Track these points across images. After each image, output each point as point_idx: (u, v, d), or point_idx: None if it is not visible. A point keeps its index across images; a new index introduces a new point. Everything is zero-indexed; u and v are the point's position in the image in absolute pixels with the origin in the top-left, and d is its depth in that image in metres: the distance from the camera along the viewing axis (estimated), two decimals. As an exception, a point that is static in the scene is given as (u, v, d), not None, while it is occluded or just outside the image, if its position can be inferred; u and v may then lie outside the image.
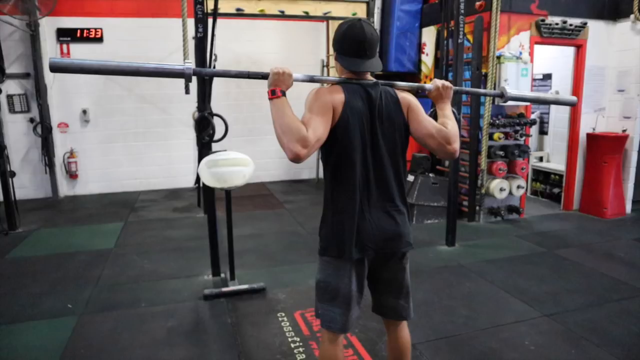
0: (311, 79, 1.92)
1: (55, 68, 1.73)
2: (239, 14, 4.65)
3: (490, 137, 5.32)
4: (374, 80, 1.88)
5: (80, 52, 6.82)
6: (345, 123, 1.76)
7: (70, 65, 1.82)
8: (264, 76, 1.82)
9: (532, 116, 6.10)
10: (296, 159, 1.64)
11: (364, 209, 1.84)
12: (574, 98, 2.51)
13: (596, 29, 5.63)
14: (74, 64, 1.80)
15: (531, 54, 5.39)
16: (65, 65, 1.81)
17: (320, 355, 2.05)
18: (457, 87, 2.11)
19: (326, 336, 2.00)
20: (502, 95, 2.28)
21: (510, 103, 5.20)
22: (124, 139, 7.23)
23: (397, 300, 2.03)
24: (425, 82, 6.35)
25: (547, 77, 6.99)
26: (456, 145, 1.87)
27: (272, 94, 1.73)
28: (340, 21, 1.93)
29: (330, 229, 1.88)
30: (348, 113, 1.76)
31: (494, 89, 5.19)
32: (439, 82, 2.01)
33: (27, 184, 6.81)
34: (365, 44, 1.79)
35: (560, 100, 2.59)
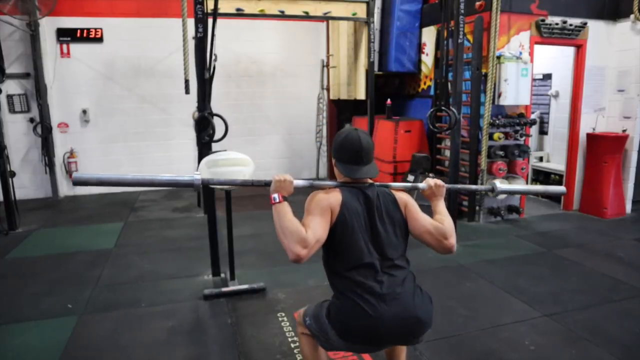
0: (311, 185, 2.02)
1: (77, 182, 1.88)
2: (239, 14, 4.65)
3: (490, 137, 5.32)
4: (370, 182, 1.98)
5: (80, 52, 6.82)
6: (343, 221, 1.83)
7: (91, 180, 1.95)
8: (266, 183, 1.94)
9: (532, 116, 6.11)
10: (297, 259, 1.71)
11: (371, 301, 1.79)
12: (563, 188, 2.56)
13: (596, 29, 5.63)
14: (94, 178, 1.94)
15: (531, 54, 5.39)
16: (86, 180, 1.95)
17: (303, 354, 2.15)
18: (449, 185, 2.18)
19: (308, 335, 2.06)
20: (493, 190, 2.33)
21: (510, 103, 5.27)
22: (124, 139, 7.23)
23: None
24: (425, 82, 6.42)
25: (547, 77, 6.99)
26: (453, 240, 1.93)
27: (274, 200, 1.85)
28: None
29: (340, 317, 1.85)
30: (345, 213, 1.84)
31: (494, 89, 5.19)
32: (432, 182, 2.10)
33: (27, 184, 6.81)
34: (362, 152, 1.93)
35: (550, 191, 2.63)
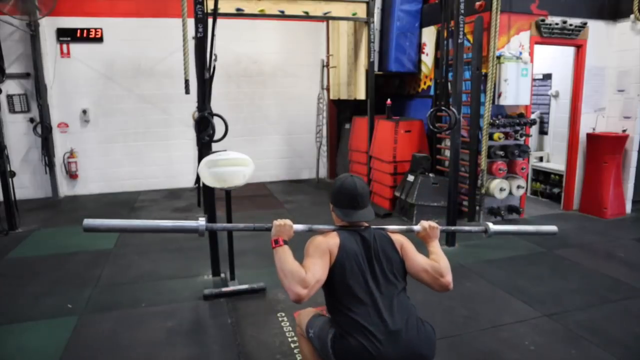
0: (310, 229, 2.10)
1: (88, 229, 2.02)
2: (239, 14, 4.65)
3: (490, 137, 5.32)
4: (366, 225, 2.07)
5: (80, 52, 6.82)
6: (341, 262, 1.89)
7: (101, 226, 2.05)
8: (267, 228, 2.04)
9: (532, 116, 6.11)
10: (298, 299, 1.76)
11: (373, 340, 1.79)
12: (554, 228, 2.59)
13: (596, 29, 5.63)
14: (104, 225, 2.04)
15: (531, 54, 5.39)
16: (97, 226, 2.05)
17: (302, 354, 2.18)
18: (443, 227, 2.27)
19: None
20: (486, 231, 2.38)
21: (510, 103, 5.27)
22: (124, 139, 7.23)
23: None
24: (425, 82, 6.42)
25: (547, 77, 6.99)
26: (449, 277, 1.97)
27: (275, 243, 1.93)
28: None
29: (342, 351, 1.86)
30: (343, 253, 1.91)
31: (494, 89, 5.19)
32: (426, 224, 2.18)
33: (27, 184, 6.81)
34: (358, 197, 2.03)
35: (541, 231, 2.68)
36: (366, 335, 1.80)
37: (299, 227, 2.06)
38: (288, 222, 2.00)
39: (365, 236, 1.98)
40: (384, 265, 1.94)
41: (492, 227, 2.37)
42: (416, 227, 2.19)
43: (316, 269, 1.83)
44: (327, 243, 1.92)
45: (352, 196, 2.03)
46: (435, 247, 2.12)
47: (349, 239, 1.96)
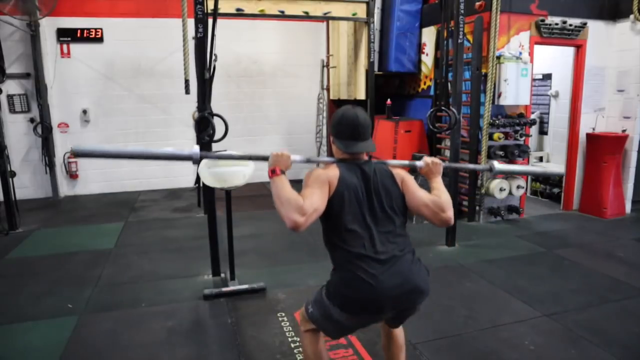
0: (308, 160, 2.08)
1: (78, 154, 1.95)
2: (239, 14, 4.65)
3: (490, 137, 5.32)
4: (367, 159, 2.03)
5: (80, 52, 6.83)
6: (341, 194, 1.87)
7: (92, 152, 2.00)
8: (264, 158, 2.00)
9: (532, 116, 6.11)
10: (295, 227, 1.72)
11: (371, 272, 1.83)
12: (562, 171, 2.58)
13: (596, 29, 5.63)
14: (96, 150, 2.00)
15: (531, 54, 5.39)
16: (87, 152, 1.99)
17: (304, 353, 2.15)
18: (446, 163, 2.24)
19: (309, 329, 2.08)
20: (491, 170, 2.36)
21: (510, 103, 5.27)
22: (124, 139, 7.23)
23: (400, 322, 2.16)
24: (425, 82, 6.42)
25: (547, 77, 6.99)
26: (450, 212, 1.95)
27: (272, 173, 1.89)
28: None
29: (341, 289, 1.90)
30: (343, 185, 1.88)
31: (494, 89, 5.19)
32: (429, 159, 2.16)
33: (27, 184, 6.81)
34: (359, 128, 1.98)
35: (548, 173, 2.67)
36: (361, 266, 1.82)
37: (297, 157, 2.02)
38: (286, 152, 1.96)
39: (365, 169, 1.95)
40: (383, 199, 1.93)
41: (497, 165, 2.35)
42: (419, 163, 2.17)
43: (314, 198, 1.79)
44: (326, 174, 1.89)
45: (354, 127, 1.97)
46: (438, 182, 2.10)
47: (349, 172, 1.92)
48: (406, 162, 2.18)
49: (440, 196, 1.99)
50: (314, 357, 2.11)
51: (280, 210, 1.78)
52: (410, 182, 2.01)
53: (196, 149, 2.02)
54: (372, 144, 2.03)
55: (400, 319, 2.12)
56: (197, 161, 2.05)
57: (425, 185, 2.12)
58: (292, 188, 1.82)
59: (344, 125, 1.99)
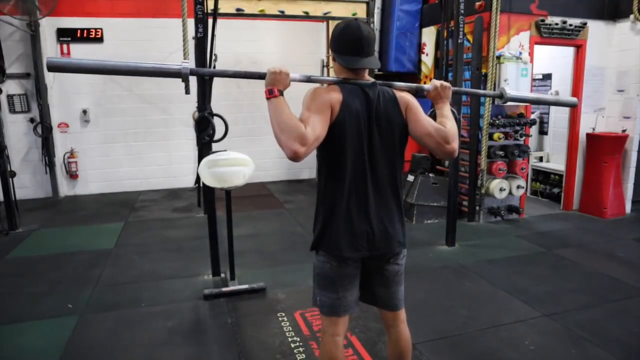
0: (308, 79, 1.92)
1: (52, 67, 1.77)
2: (239, 14, 4.64)
3: (490, 137, 5.32)
4: (372, 80, 1.88)
5: (80, 52, 6.82)
6: (342, 122, 1.76)
7: (68, 65, 1.84)
8: (261, 76, 1.83)
9: (532, 116, 6.11)
10: (295, 157, 1.63)
11: (355, 210, 1.84)
12: (574, 99, 2.52)
13: (596, 29, 5.63)
14: (72, 63, 1.82)
15: (531, 54, 5.39)
16: (62, 65, 1.83)
17: (320, 356, 2.05)
18: (455, 88, 2.11)
19: (327, 327, 2.00)
20: (502, 96, 2.29)
21: (510, 103, 5.25)
22: (124, 139, 7.23)
23: (387, 290, 2.04)
24: (425, 83, 6.41)
25: (547, 77, 6.99)
26: (455, 144, 1.86)
27: (270, 94, 1.73)
28: (340, 21, 1.94)
29: (322, 226, 1.90)
30: (345, 112, 1.77)
31: (494, 89, 5.19)
32: (437, 83, 2.01)
33: (27, 184, 6.81)
34: (363, 40, 1.81)
35: (561, 101, 2.60)
36: (345, 210, 1.83)
37: (296, 76, 1.84)
38: (284, 69, 1.77)
39: (369, 94, 1.82)
40: (383, 128, 1.83)
41: (509, 91, 2.27)
42: (427, 86, 2.04)
43: (316, 125, 1.68)
44: (329, 97, 1.76)
45: (357, 40, 1.81)
46: (445, 109, 1.98)
47: (352, 96, 1.79)
48: (413, 85, 2.04)
49: (445, 125, 1.88)
50: None
51: (279, 137, 1.66)
52: (414, 108, 1.89)
53: (186, 64, 1.85)
54: (376, 60, 1.89)
55: (382, 280, 2.00)
56: (186, 77, 1.87)
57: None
58: (291, 112, 1.68)
59: (346, 39, 1.82)
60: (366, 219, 1.86)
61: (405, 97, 1.91)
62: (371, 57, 1.86)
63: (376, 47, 6.16)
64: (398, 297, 2.05)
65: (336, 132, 1.77)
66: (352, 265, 1.94)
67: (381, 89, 1.87)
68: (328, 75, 7.73)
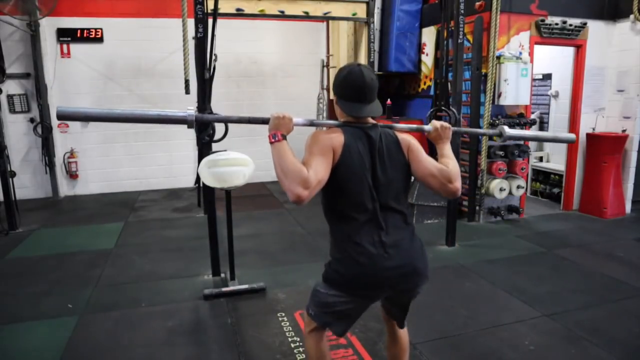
0: (311, 123, 1.96)
1: (62, 116, 1.82)
2: (239, 14, 4.64)
3: (490, 137, 5.31)
4: (373, 122, 1.90)
5: (80, 52, 6.82)
6: (345, 164, 1.77)
7: (76, 114, 1.89)
8: (264, 121, 1.86)
9: (532, 116, 6.11)
10: (298, 200, 1.63)
11: (371, 249, 1.79)
12: (572, 135, 2.51)
13: (596, 29, 5.63)
14: (80, 112, 1.88)
15: (531, 54, 5.39)
16: (71, 114, 1.87)
17: (308, 355, 2.09)
18: (455, 128, 2.12)
19: (312, 328, 2.02)
20: (501, 135, 2.29)
21: (510, 103, 5.27)
22: (124, 139, 7.23)
23: (402, 311, 2.09)
24: (425, 82, 6.42)
25: (547, 77, 6.99)
26: (458, 183, 1.88)
27: (273, 138, 1.76)
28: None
29: (338, 267, 1.86)
30: (347, 154, 1.77)
31: (494, 89, 5.19)
32: (437, 124, 2.04)
33: (27, 184, 6.81)
34: (365, 89, 1.82)
35: (559, 138, 2.58)
36: (361, 243, 1.77)
37: (299, 120, 1.89)
38: (287, 114, 1.82)
39: (371, 135, 1.83)
40: (387, 168, 1.83)
41: (507, 129, 2.27)
42: (427, 127, 2.05)
43: (319, 168, 1.69)
44: (330, 140, 1.77)
45: (359, 87, 1.82)
46: (446, 149, 2.00)
47: (354, 138, 1.80)
48: (414, 126, 2.07)
49: (448, 165, 1.89)
50: (317, 359, 2.07)
51: (282, 181, 1.67)
52: (416, 150, 1.90)
53: (191, 110, 1.88)
54: (378, 106, 1.89)
55: (400, 305, 2.05)
56: (191, 125, 1.89)
57: None
58: (294, 156, 1.70)
59: (348, 86, 1.84)
60: (384, 258, 1.79)
61: (407, 139, 1.93)
62: (373, 104, 1.87)
63: (376, 47, 6.16)
64: (405, 319, 2.12)
65: (339, 174, 1.77)
66: (362, 304, 1.93)
67: (382, 131, 1.89)
68: (328, 78, 7.75)
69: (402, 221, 1.88)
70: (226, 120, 2.11)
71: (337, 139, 1.79)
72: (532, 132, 2.69)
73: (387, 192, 1.84)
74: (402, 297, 1.99)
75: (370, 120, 1.90)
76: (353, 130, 1.83)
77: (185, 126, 1.93)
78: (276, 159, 1.72)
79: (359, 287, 1.84)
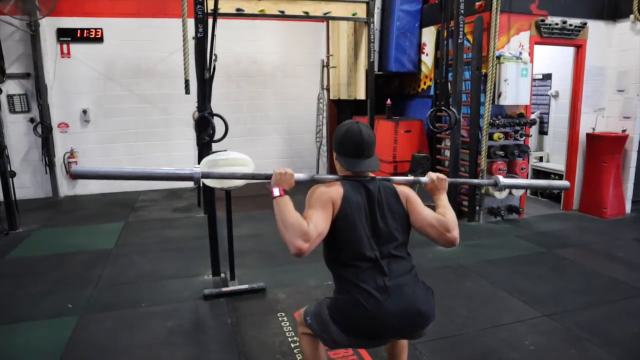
0: (312, 178, 2.02)
1: (77, 175, 1.92)
2: (239, 14, 4.64)
3: (490, 137, 5.32)
4: (372, 176, 1.97)
5: (80, 52, 6.82)
6: (344, 216, 1.82)
7: (90, 173, 1.98)
8: (267, 177, 1.94)
9: (532, 116, 6.11)
10: (299, 253, 1.70)
11: (375, 294, 1.79)
12: (567, 183, 2.55)
13: (596, 29, 5.63)
14: (93, 172, 1.97)
15: (531, 54, 5.39)
16: (85, 173, 1.97)
17: (303, 354, 2.13)
18: (451, 179, 2.20)
19: (307, 332, 2.06)
20: (496, 184, 2.32)
21: (510, 103, 5.27)
22: (124, 139, 7.23)
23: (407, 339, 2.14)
24: (425, 82, 6.42)
25: (547, 77, 6.99)
26: (456, 232, 1.92)
27: (275, 194, 1.84)
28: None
29: (344, 308, 1.85)
30: (347, 205, 1.83)
31: (494, 89, 5.19)
32: (434, 175, 2.10)
33: (27, 184, 6.81)
34: (363, 145, 1.92)
35: (553, 186, 2.61)
36: (366, 290, 1.78)
37: (300, 176, 1.96)
38: (289, 170, 1.90)
39: (370, 188, 1.90)
40: (387, 220, 1.88)
41: (502, 180, 2.31)
42: (423, 179, 2.12)
43: (318, 221, 1.75)
44: (330, 193, 1.84)
45: (357, 144, 1.91)
46: (443, 200, 2.06)
47: (353, 191, 1.87)
48: (411, 178, 2.14)
49: (445, 215, 1.95)
50: (313, 359, 2.10)
51: (283, 234, 1.75)
52: (414, 201, 1.96)
53: (197, 168, 1.97)
54: (376, 161, 1.98)
55: (407, 338, 2.12)
56: (197, 181, 1.98)
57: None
58: (295, 210, 1.78)
59: (347, 142, 1.93)
60: (387, 305, 1.79)
61: (405, 191, 1.98)
62: (371, 159, 1.95)
63: (376, 47, 6.16)
64: None
65: (339, 225, 1.82)
66: (367, 346, 2.01)
67: (381, 183, 1.95)
68: (328, 78, 7.75)
69: (405, 266, 1.90)
70: (230, 177, 2.32)
71: (337, 191, 1.86)
72: (527, 180, 2.76)
73: (389, 241, 1.88)
74: (408, 337, 2.05)
75: (369, 174, 1.97)
76: (352, 183, 1.90)
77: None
78: (278, 213, 1.79)
79: (362, 337, 1.88)
